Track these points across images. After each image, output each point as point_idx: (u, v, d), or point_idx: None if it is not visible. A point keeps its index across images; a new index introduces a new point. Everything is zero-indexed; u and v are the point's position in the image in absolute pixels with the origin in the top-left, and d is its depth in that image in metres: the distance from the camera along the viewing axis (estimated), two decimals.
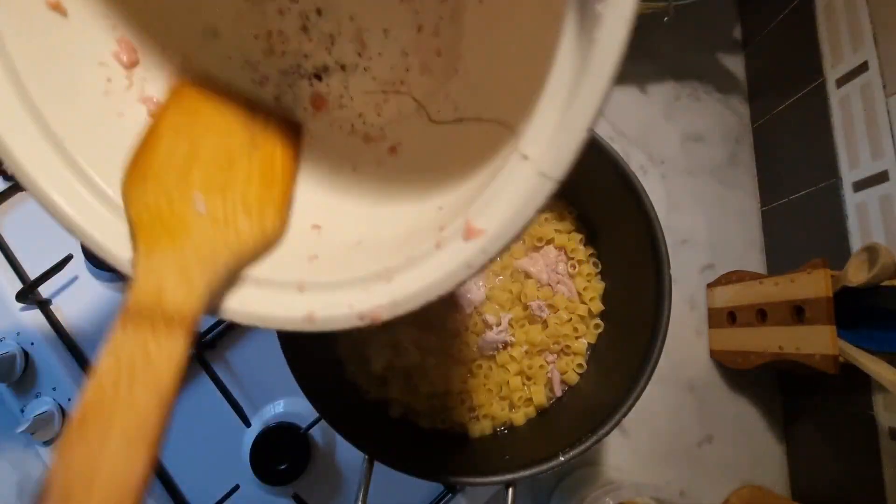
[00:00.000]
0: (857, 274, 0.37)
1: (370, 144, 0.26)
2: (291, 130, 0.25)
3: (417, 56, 0.25)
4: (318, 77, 0.26)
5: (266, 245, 0.21)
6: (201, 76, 0.24)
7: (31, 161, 0.18)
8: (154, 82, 0.23)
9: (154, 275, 0.18)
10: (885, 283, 0.37)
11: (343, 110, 0.26)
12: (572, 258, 0.41)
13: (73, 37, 0.20)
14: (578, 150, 0.15)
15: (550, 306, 0.40)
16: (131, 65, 0.22)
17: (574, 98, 0.15)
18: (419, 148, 0.26)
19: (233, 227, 0.20)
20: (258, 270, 0.21)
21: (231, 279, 0.19)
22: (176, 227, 0.19)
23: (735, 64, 0.60)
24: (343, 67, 0.26)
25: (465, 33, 0.24)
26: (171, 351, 0.17)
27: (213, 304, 0.19)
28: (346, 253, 0.22)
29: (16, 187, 0.49)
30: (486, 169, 0.20)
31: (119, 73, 0.22)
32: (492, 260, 0.17)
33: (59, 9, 0.20)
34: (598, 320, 0.40)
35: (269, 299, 0.20)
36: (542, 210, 0.16)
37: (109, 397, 0.16)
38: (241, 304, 0.20)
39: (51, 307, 0.47)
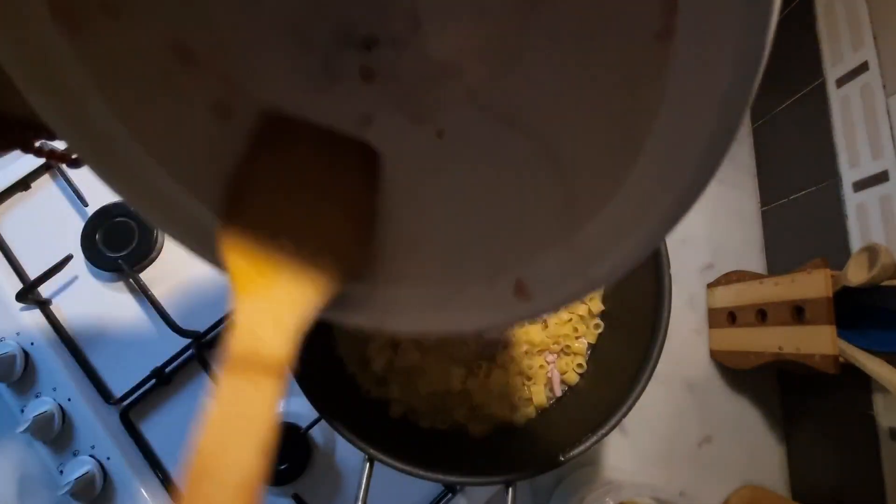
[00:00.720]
0: (857, 274, 0.37)
1: (417, 126, 0.25)
2: (370, 161, 0.25)
3: (475, 40, 0.24)
4: (368, 48, 0.24)
5: (352, 279, 0.21)
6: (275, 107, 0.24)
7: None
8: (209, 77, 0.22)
9: (250, 322, 0.18)
10: (885, 283, 0.37)
11: (392, 85, 0.25)
12: None
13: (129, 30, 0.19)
14: (628, 270, 0.16)
15: None
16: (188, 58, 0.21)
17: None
18: (468, 140, 0.25)
19: (321, 267, 0.21)
20: None
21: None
22: (268, 271, 0.20)
23: None
24: (394, 42, 0.24)
25: (535, 26, 0.22)
26: (267, 397, 0.17)
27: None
28: (403, 257, 0.23)
29: (15, 187, 0.49)
30: (533, 209, 0.21)
31: (176, 65, 0.21)
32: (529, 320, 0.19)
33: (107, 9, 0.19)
34: (598, 320, 0.40)
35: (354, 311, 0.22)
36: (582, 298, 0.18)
37: (219, 451, 0.16)
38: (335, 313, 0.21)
39: (51, 307, 0.47)
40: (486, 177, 0.24)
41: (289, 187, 0.22)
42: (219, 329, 0.46)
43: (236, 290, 0.19)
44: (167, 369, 0.45)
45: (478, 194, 0.23)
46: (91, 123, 0.18)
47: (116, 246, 0.46)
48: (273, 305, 0.19)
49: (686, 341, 0.53)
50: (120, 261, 0.46)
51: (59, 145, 0.23)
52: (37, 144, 0.23)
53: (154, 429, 0.45)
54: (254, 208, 0.21)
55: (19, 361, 0.44)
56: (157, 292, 0.46)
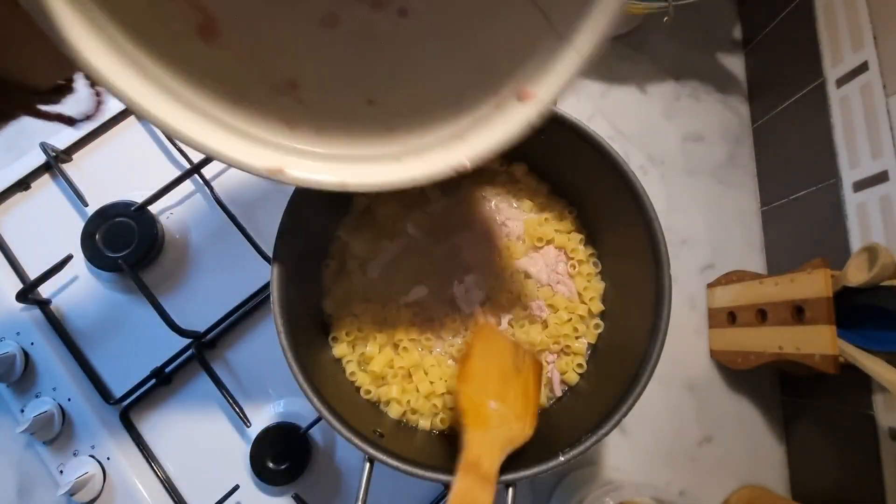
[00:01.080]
0: (857, 274, 0.37)
1: (379, 11, 0.26)
2: (539, 366, 0.37)
3: None
4: None
5: (523, 441, 0.32)
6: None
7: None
8: None
9: (476, 446, 0.30)
10: (885, 283, 0.37)
11: None
12: (572, 258, 0.41)
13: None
14: (608, 30, 0.20)
15: (550, 306, 0.40)
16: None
17: None
18: (428, 7, 0.26)
19: (511, 426, 0.32)
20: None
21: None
22: (484, 417, 0.32)
23: (735, 64, 0.60)
24: None
25: None
26: (486, 500, 0.27)
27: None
28: (412, 117, 0.27)
29: (15, 187, 0.49)
30: (505, 25, 0.24)
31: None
32: (543, 115, 0.24)
33: None
34: (598, 320, 0.40)
35: (386, 170, 0.27)
36: (577, 78, 0.23)
37: None
38: (368, 177, 0.26)
39: (51, 307, 0.47)
40: (459, 29, 0.27)
41: (493, 366, 0.35)
42: (219, 329, 0.46)
43: (467, 421, 0.31)
44: (167, 369, 0.45)
45: (460, 45, 0.27)
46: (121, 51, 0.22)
47: (116, 246, 0.46)
48: (487, 439, 0.30)
49: (686, 341, 0.53)
50: (120, 261, 0.46)
51: (61, 108, 0.25)
52: (42, 108, 0.24)
53: (154, 429, 0.46)
54: (474, 375, 0.34)
55: (19, 361, 0.44)
56: (157, 292, 0.46)
